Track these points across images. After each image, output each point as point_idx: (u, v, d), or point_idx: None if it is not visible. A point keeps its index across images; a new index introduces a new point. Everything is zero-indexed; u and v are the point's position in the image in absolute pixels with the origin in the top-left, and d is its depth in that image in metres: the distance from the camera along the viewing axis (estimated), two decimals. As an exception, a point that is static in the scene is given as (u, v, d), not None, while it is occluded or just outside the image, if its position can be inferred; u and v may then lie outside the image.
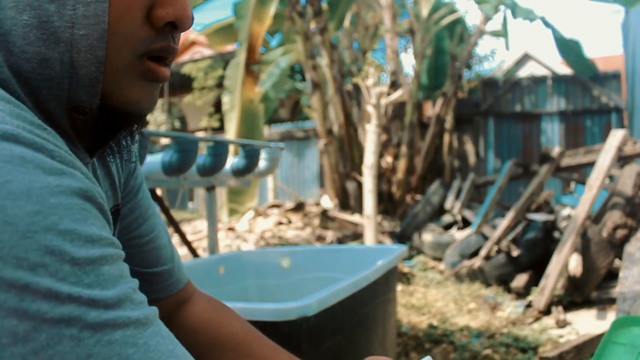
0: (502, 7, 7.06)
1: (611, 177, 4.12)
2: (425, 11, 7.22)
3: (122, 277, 0.44)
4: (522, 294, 3.73)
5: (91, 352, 0.39)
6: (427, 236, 5.11)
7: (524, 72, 12.21)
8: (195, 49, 14.16)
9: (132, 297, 0.43)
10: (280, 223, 6.24)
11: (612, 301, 3.41)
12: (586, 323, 3.13)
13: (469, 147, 8.15)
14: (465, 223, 5.27)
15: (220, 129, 11.18)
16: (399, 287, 3.94)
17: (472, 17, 26.32)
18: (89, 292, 0.40)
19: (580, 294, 3.45)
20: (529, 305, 3.46)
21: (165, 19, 0.53)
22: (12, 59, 0.49)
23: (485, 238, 4.43)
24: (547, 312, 3.35)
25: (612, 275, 3.72)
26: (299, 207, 6.76)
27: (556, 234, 4.12)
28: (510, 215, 4.21)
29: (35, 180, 0.41)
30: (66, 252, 0.40)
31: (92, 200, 0.44)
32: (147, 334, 0.43)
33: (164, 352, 0.44)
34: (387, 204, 6.92)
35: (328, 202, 7.29)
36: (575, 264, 3.49)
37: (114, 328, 0.41)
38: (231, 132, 7.42)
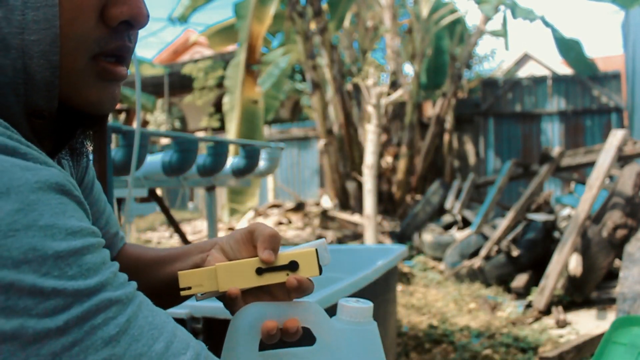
0: (502, 7, 7.06)
1: (611, 177, 4.12)
2: (425, 11, 7.22)
3: (104, 263, 0.45)
4: (522, 294, 3.73)
5: (76, 340, 0.41)
6: (427, 236, 5.11)
7: (524, 72, 12.21)
8: (195, 49, 14.16)
9: (112, 281, 0.45)
10: (280, 223, 6.24)
11: (612, 301, 3.41)
12: (586, 323, 3.13)
13: (469, 147, 8.14)
14: (465, 223, 5.26)
15: (221, 129, 11.18)
16: (399, 287, 3.94)
17: (472, 17, 26.33)
18: (72, 283, 0.41)
19: (580, 294, 3.45)
20: (529, 305, 3.46)
21: (120, 18, 0.52)
22: None
23: (485, 238, 4.43)
24: (547, 312, 3.35)
25: (612, 275, 3.72)
26: (299, 207, 6.76)
27: (556, 234, 4.12)
28: (510, 215, 4.21)
29: (13, 179, 0.41)
30: (48, 247, 0.41)
31: (69, 193, 0.45)
32: (128, 312, 0.45)
33: (145, 325, 0.46)
34: (387, 204, 6.92)
35: (328, 202, 7.29)
36: (575, 264, 3.49)
37: (97, 313, 0.42)
38: (231, 132, 7.42)
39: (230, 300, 0.63)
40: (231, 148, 4.77)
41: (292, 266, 0.63)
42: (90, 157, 0.78)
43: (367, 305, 0.62)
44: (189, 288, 0.63)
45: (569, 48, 7.81)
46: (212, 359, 0.51)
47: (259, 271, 0.63)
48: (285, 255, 0.64)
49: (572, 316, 3.28)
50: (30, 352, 0.39)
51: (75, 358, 0.41)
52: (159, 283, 0.76)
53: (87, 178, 0.76)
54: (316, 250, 0.64)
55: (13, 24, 0.47)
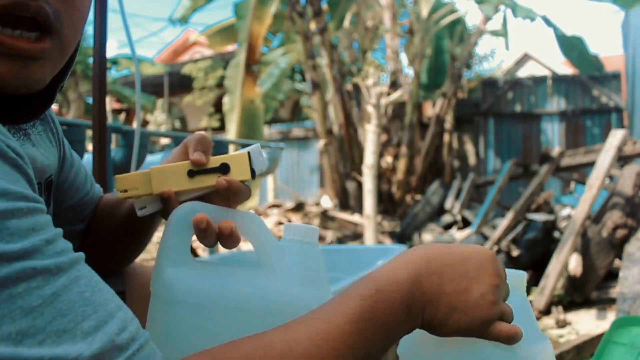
0: (502, 7, 7.06)
1: (611, 177, 4.12)
2: (425, 11, 7.22)
3: (34, 229, 0.41)
4: (522, 294, 3.73)
5: None
6: (427, 236, 5.11)
7: (524, 72, 12.21)
8: (195, 49, 14.16)
9: (43, 249, 0.41)
10: (280, 223, 6.24)
11: (612, 301, 3.41)
12: (586, 323, 3.13)
13: (469, 147, 8.14)
14: (465, 223, 5.26)
15: (221, 129, 11.18)
16: (399, 287, 3.94)
17: (472, 17, 26.33)
18: None
19: (580, 294, 3.45)
20: (529, 305, 3.46)
21: None
22: None
23: (485, 238, 4.42)
24: (547, 312, 3.35)
25: (612, 275, 3.71)
26: (299, 207, 6.76)
27: (556, 234, 4.12)
28: (510, 215, 4.21)
29: None
30: None
31: (2, 155, 0.42)
32: (57, 284, 0.41)
33: (77, 300, 0.41)
34: (387, 204, 6.92)
35: (328, 202, 7.29)
36: (575, 264, 3.49)
37: (17, 281, 0.39)
38: (231, 132, 7.42)
39: (164, 202, 0.63)
40: (231, 148, 4.76)
41: (223, 168, 0.63)
42: (57, 135, 0.77)
43: (312, 226, 0.61)
44: (126, 191, 0.64)
45: (571, 46, 7.79)
46: (152, 351, 0.45)
47: (190, 173, 0.63)
48: (216, 158, 0.63)
49: (572, 316, 3.28)
50: None
51: None
52: (123, 218, 0.78)
53: (66, 151, 0.78)
54: (248, 153, 0.64)
55: None
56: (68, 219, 0.80)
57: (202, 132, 0.65)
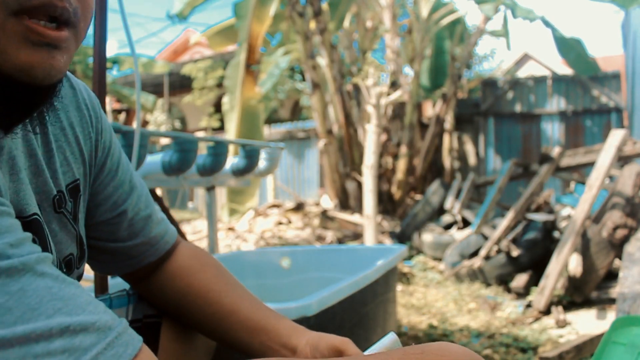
0: (502, 7, 7.05)
1: (611, 177, 4.12)
2: (425, 11, 7.22)
3: None
4: (522, 294, 3.73)
5: None
6: (427, 236, 5.11)
7: (524, 72, 12.21)
8: (195, 49, 14.16)
9: (7, 251, 0.42)
10: (280, 223, 6.24)
11: (612, 301, 3.41)
12: (586, 323, 3.13)
13: (469, 147, 8.14)
14: (465, 223, 5.26)
15: (220, 129, 11.18)
16: (399, 287, 3.94)
17: (472, 17, 26.33)
18: None
19: (580, 294, 3.45)
20: (529, 305, 3.46)
21: None
22: None
23: (485, 238, 4.43)
24: (547, 312, 3.35)
25: (612, 275, 3.71)
26: (299, 207, 6.75)
27: (556, 234, 4.12)
28: (510, 215, 4.21)
29: None
30: None
31: None
32: (23, 280, 0.41)
33: (45, 295, 0.42)
34: (387, 204, 6.92)
35: (328, 202, 7.29)
36: (575, 264, 3.49)
37: None
38: (231, 132, 7.42)
39: None
40: (231, 148, 4.76)
41: None
42: (113, 142, 0.76)
43: None
44: None
45: (569, 48, 7.79)
46: (131, 338, 0.45)
47: None
48: None
49: (572, 316, 3.28)
50: None
51: None
52: (211, 324, 0.77)
53: (110, 161, 0.75)
54: None
55: None
56: (104, 235, 0.77)
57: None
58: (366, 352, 0.66)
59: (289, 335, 0.76)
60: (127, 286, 0.87)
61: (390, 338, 0.66)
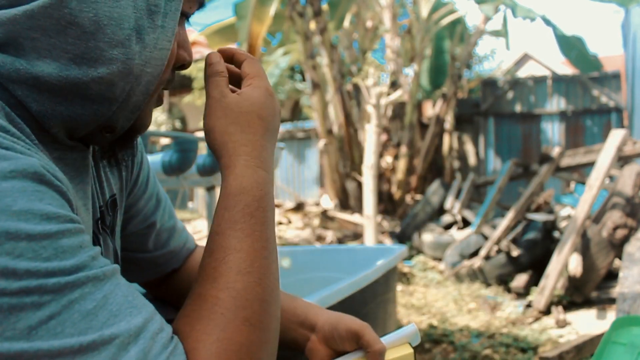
0: (502, 7, 7.05)
1: (611, 177, 4.12)
2: (425, 11, 7.21)
3: (82, 247, 0.47)
4: (522, 294, 3.73)
5: (53, 313, 0.43)
6: (427, 236, 5.11)
7: (524, 72, 12.21)
8: (195, 48, 14.15)
9: (90, 264, 0.47)
10: (280, 223, 6.24)
11: (612, 301, 3.41)
12: (586, 323, 3.13)
13: (469, 147, 8.14)
14: (465, 223, 5.26)
15: (220, 129, 11.16)
16: (399, 287, 3.94)
17: (472, 17, 26.34)
18: (46, 264, 0.43)
19: (580, 294, 3.45)
20: (529, 305, 3.46)
21: (181, 62, 0.65)
22: (75, 76, 0.53)
23: (485, 238, 4.43)
24: (547, 312, 3.35)
25: (612, 275, 3.71)
26: (299, 207, 6.76)
27: (556, 234, 4.12)
28: (510, 215, 4.21)
29: None
30: (21, 230, 0.43)
31: (49, 182, 0.47)
32: (105, 288, 0.47)
33: (123, 303, 0.47)
34: (387, 204, 6.92)
35: (328, 202, 7.29)
36: (575, 264, 3.49)
37: (73, 288, 0.44)
38: (231, 132, 7.40)
39: None
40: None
41: None
42: (144, 155, 0.83)
43: None
44: None
45: (570, 46, 7.78)
46: (183, 353, 0.51)
47: None
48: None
49: (572, 316, 3.28)
50: (6, 327, 0.41)
51: (53, 331, 0.43)
52: None
53: (142, 175, 0.80)
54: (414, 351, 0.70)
55: (143, 57, 0.56)
56: (133, 246, 0.81)
57: (382, 343, 0.70)
58: (383, 338, 0.68)
59: (305, 313, 0.79)
60: (142, 291, 0.90)
61: (410, 329, 0.69)
